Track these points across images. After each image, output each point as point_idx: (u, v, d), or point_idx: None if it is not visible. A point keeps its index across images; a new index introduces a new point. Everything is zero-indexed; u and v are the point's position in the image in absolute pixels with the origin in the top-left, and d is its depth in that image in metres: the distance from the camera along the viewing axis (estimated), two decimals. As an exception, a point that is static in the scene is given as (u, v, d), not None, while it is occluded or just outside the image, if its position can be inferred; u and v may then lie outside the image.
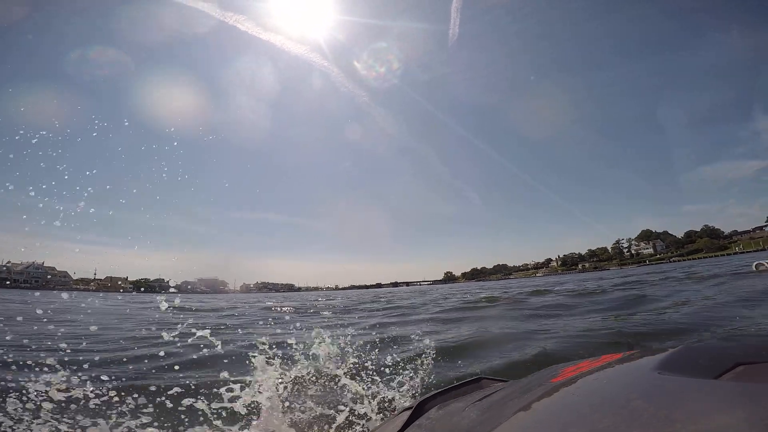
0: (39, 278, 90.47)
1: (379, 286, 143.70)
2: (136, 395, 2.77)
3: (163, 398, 2.78)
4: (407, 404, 1.18)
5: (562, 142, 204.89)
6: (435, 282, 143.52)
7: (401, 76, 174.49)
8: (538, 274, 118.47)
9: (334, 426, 2.87)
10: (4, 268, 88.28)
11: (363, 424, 2.89)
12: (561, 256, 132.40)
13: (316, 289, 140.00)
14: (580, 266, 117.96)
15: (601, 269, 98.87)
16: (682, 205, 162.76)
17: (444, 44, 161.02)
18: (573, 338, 5.30)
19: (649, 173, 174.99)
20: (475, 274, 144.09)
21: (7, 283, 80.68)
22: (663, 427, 0.44)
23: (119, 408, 2.63)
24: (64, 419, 2.41)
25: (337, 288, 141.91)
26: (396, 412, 1.17)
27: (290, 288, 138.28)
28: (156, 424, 2.62)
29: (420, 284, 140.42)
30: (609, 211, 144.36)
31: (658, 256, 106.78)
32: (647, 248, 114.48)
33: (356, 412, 2.93)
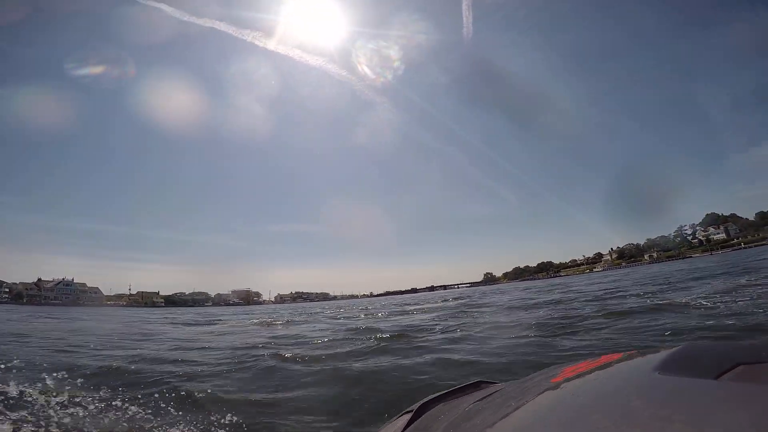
0: (69, 294, 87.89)
1: (414, 290, 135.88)
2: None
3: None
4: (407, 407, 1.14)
5: (600, 133, 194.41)
6: (474, 284, 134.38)
7: (421, 79, 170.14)
8: (596, 269, 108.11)
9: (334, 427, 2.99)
10: (34, 286, 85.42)
11: (364, 428, 3.08)
12: (615, 248, 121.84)
13: (351, 297, 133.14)
14: (646, 257, 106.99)
15: (681, 258, 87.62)
16: (732, 188, 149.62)
17: (460, 42, 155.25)
18: None
19: (693, 158, 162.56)
20: (519, 274, 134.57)
21: (36, 299, 78.11)
22: (663, 427, 0.43)
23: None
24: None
25: (371, 295, 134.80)
26: (396, 415, 1.18)
27: (325, 297, 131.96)
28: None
29: (458, 287, 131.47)
30: (650, 201, 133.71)
31: (735, 240, 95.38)
32: (718, 233, 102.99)
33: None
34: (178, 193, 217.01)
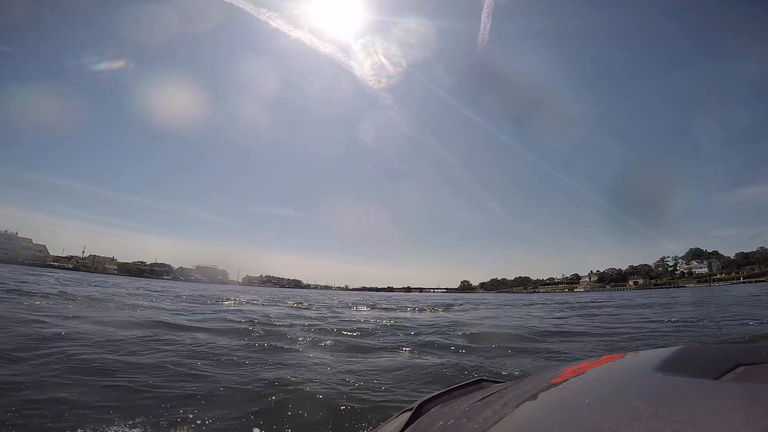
0: (8, 251, 78.78)
1: (390, 289, 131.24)
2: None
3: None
4: (408, 405, 1.15)
5: (588, 153, 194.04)
6: (449, 290, 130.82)
7: (427, 77, 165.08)
8: (577, 289, 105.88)
9: (334, 427, 3.00)
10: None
11: (364, 425, 3.07)
12: (595, 271, 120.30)
13: (326, 288, 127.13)
14: (631, 282, 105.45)
15: (673, 286, 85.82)
16: (710, 229, 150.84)
17: (473, 47, 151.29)
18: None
19: (676, 193, 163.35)
20: (495, 285, 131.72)
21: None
22: (664, 427, 0.43)
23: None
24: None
25: (347, 288, 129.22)
26: (396, 413, 1.17)
27: (297, 284, 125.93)
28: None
29: (434, 291, 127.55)
30: (630, 231, 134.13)
31: (718, 276, 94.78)
32: (701, 267, 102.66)
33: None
34: (156, 156, 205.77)
